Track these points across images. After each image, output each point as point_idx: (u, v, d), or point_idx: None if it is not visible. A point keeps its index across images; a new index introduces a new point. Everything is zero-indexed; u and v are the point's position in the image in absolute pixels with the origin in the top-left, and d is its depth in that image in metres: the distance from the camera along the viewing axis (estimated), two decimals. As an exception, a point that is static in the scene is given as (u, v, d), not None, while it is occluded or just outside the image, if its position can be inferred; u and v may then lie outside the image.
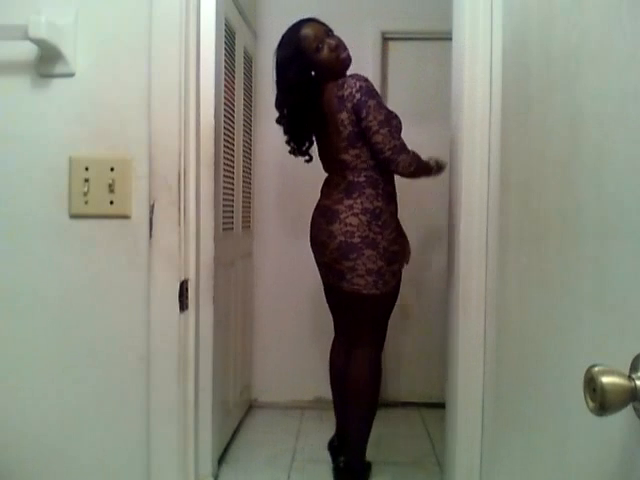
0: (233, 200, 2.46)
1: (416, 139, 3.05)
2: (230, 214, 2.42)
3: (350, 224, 1.95)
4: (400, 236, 2.09)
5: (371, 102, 1.89)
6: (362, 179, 1.97)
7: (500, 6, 1.35)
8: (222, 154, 2.20)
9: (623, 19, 0.69)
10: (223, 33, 2.21)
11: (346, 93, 1.90)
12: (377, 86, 2.99)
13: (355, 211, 1.96)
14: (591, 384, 0.55)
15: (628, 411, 0.56)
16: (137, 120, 1.26)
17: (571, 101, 0.85)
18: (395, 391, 3.09)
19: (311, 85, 2.00)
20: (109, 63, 1.27)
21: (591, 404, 0.55)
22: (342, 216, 1.96)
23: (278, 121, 2.09)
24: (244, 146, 2.65)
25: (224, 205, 2.27)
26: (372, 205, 1.97)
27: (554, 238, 0.92)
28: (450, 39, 1.65)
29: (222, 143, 2.20)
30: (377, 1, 3.01)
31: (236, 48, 2.45)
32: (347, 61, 2.00)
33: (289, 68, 1.98)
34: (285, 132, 2.09)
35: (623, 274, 0.67)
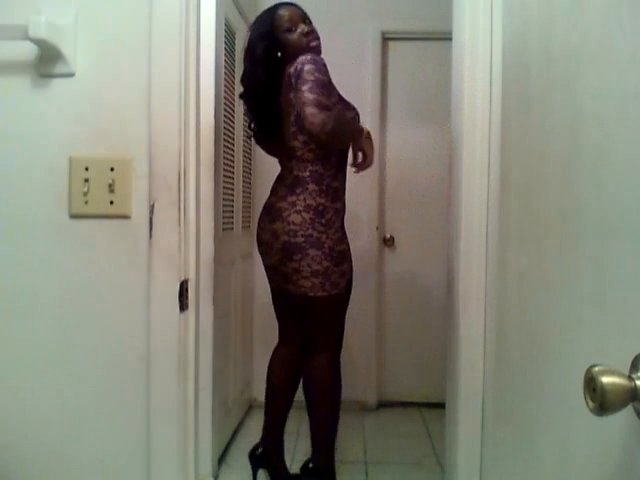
0: (233, 200, 2.46)
1: (416, 139, 3.07)
2: (230, 214, 2.42)
3: (293, 222, 1.85)
4: (345, 237, 1.98)
5: (314, 77, 1.76)
6: (307, 174, 1.88)
7: (500, 6, 1.35)
8: (222, 154, 2.21)
9: (623, 19, 0.69)
10: (223, 33, 2.21)
11: (292, 70, 1.81)
12: (377, 86, 3.01)
13: (298, 208, 1.86)
14: (591, 384, 0.55)
15: (628, 411, 0.56)
16: (137, 120, 1.26)
17: (571, 101, 0.85)
18: (395, 391, 3.09)
19: (275, 63, 1.91)
20: (109, 63, 1.27)
21: (591, 404, 0.55)
22: (285, 214, 1.87)
23: (241, 96, 2.02)
24: (244, 146, 2.65)
25: (224, 205, 2.28)
26: (315, 202, 1.86)
27: (554, 238, 0.92)
28: (450, 39, 1.65)
29: (222, 143, 2.20)
30: (377, 1, 3.01)
31: (236, 48, 2.45)
32: (317, 49, 1.92)
33: (258, 44, 1.91)
34: (248, 109, 2.03)
35: (623, 274, 0.67)
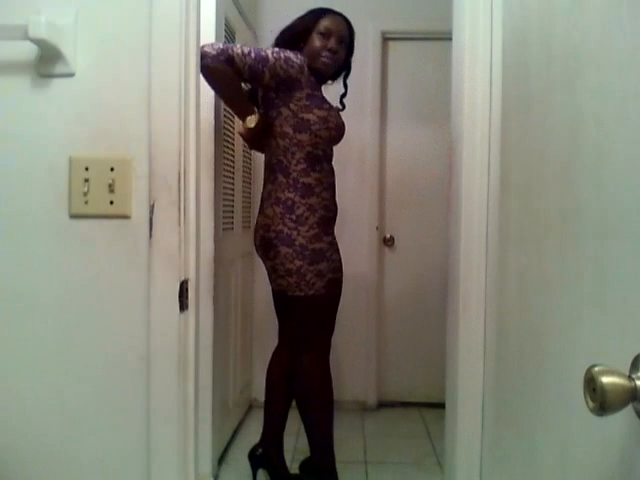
0: (233, 200, 2.46)
1: (416, 139, 3.07)
2: (230, 214, 2.42)
3: (267, 215, 1.83)
4: (327, 235, 1.89)
5: (271, 50, 1.81)
6: (274, 161, 1.86)
7: (500, 6, 1.35)
8: (222, 154, 2.21)
9: (623, 19, 0.69)
10: (223, 33, 2.21)
11: None
12: (377, 86, 3.01)
13: (272, 200, 1.83)
14: (591, 384, 0.55)
15: (628, 411, 0.56)
16: (137, 120, 1.26)
17: (571, 101, 0.85)
18: (395, 391, 3.09)
19: (290, 46, 1.89)
20: (109, 63, 1.27)
21: (591, 404, 0.55)
22: (264, 205, 1.86)
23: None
24: (244, 146, 2.65)
25: (224, 205, 2.28)
26: (284, 195, 1.81)
27: (554, 238, 0.92)
28: (450, 39, 1.65)
29: (222, 143, 2.20)
30: (377, 1, 3.01)
31: (236, 48, 2.45)
32: (324, 69, 1.92)
33: (296, 22, 1.96)
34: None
35: (623, 274, 0.67)
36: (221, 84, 1.82)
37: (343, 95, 2.09)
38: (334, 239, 1.94)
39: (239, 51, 1.75)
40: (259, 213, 1.92)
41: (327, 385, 1.99)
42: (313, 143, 1.85)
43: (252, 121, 1.85)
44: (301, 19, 1.96)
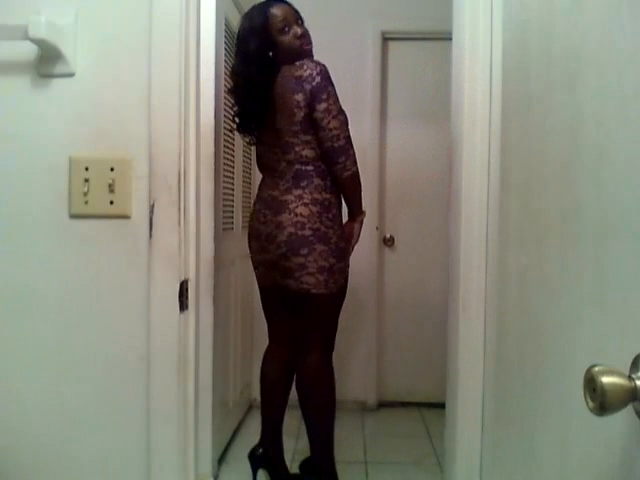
0: (233, 200, 2.46)
1: (416, 139, 3.07)
2: (230, 214, 2.42)
3: (301, 214, 1.84)
4: (344, 234, 1.98)
5: (331, 89, 1.84)
6: (310, 168, 1.87)
7: (500, 6, 1.35)
8: (222, 154, 2.21)
9: (623, 19, 0.69)
10: (223, 33, 2.21)
11: (305, 74, 1.82)
12: (377, 86, 3.01)
13: (305, 201, 1.85)
14: (591, 384, 0.55)
15: (628, 411, 0.56)
16: (137, 120, 1.26)
17: (571, 101, 0.85)
18: (395, 391, 3.09)
19: (268, 63, 1.88)
20: (109, 63, 1.27)
21: (591, 404, 0.55)
22: (292, 206, 1.85)
23: (230, 91, 2.02)
24: (244, 146, 2.65)
25: (224, 205, 2.28)
26: (321, 196, 1.87)
27: (554, 238, 0.92)
28: (450, 39, 1.65)
29: (222, 143, 2.20)
30: (377, 1, 3.01)
31: (236, 48, 2.45)
32: (309, 53, 1.92)
33: (250, 40, 1.88)
34: (235, 103, 2.01)
35: (623, 274, 0.67)
36: (354, 192, 2.00)
37: None
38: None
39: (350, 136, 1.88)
40: (279, 212, 1.88)
41: (331, 385, 2.00)
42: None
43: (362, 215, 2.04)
44: (246, 32, 1.90)
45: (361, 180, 1.96)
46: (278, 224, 1.86)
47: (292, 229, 1.84)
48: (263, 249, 1.93)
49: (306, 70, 1.81)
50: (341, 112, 1.85)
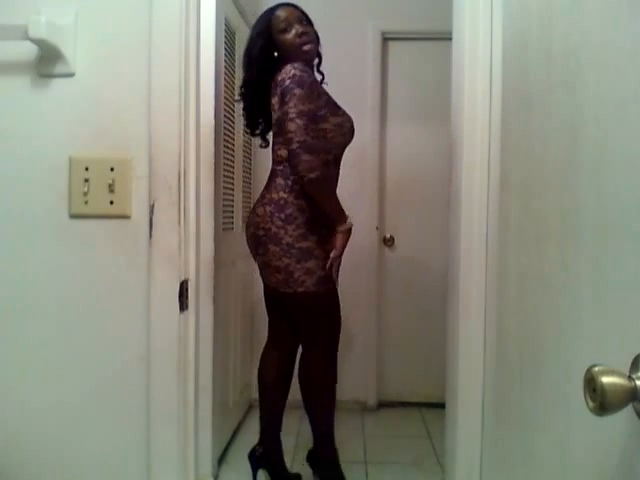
0: (233, 200, 2.46)
1: (416, 139, 3.07)
2: (230, 214, 2.42)
3: (257, 214, 1.89)
4: (313, 234, 1.88)
5: (297, 91, 1.77)
6: (280, 167, 1.89)
7: (500, 6, 1.35)
8: (222, 154, 2.20)
9: (623, 19, 0.69)
10: (223, 33, 2.21)
11: (279, 78, 1.82)
12: (377, 86, 3.01)
13: (264, 201, 1.89)
14: (591, 384, 0.55)
15: (628, 411, 0.56)
16: (137, 120, 1.26)
17: (571, 101, 0.85)
18: (395, 391, 3.09)
19: (268, 63, 1.90)
20: (109, 63, 1.27)
21: (591, 404, 0.55)
22: (256, 205, 1.94)
23: (239, 94, 2.03)
24: (244, 146, 2.65)
25: (224, 205, 2.28)
26: (278, 195, 1.86)
27: (554, 238, 0.92)
28: (450, 39, 1.65)
29: (222, 143, 2.20)
30: (377, 1, 3.01)
31: (236, 48, 2.45)
32: (310, 53, 1.92)
33: (255, 44, 1.92)
34: (243, 109, 2.04)
35: (623, 274, 0.67)
36: (324, 188, 1.86)
37: (319, 65, 2.07)
38: (322, 238, 1.91)
39: (314, 142, 1.80)
40: (251, 212, 1.99)
41: (327, 384, 2.00)
42: (327, 149, 1.89)
43: (349, 224, 1.92)
44: (252, 39, 1.94)
45: (332, 187, 1.89)
46: (247, 223, 1.99)
47: (252, 229, 1.93)
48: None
49: (282, 74, 1.83)
50: (300, 116, 1.76)
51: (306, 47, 1.89)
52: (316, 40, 1.95)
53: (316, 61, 2.03)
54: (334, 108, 1.93)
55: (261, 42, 1.91)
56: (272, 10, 1.93)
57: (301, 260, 1.85)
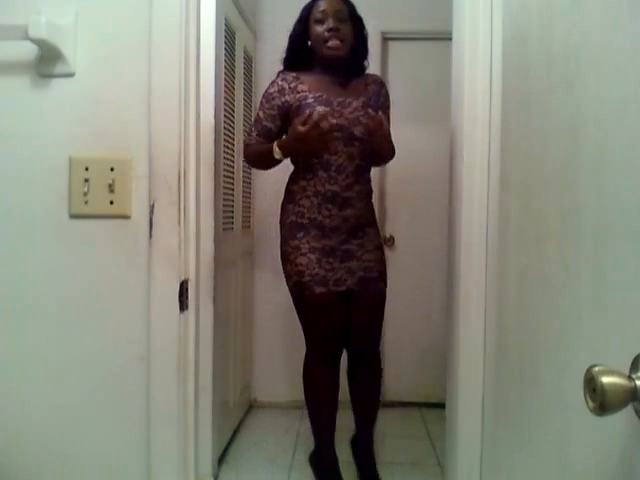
0: (233, 200, 2.46)
1: (416, 139, 3.07)
2: (230, 214, 2.42)
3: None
4: (293, 239, 1.93)
5: (261, 100, 2.01)
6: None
7: (500, 6, 1.35)
8: (222, 154, 2.20)
9: (623, 19, 0.69)
10: (223, 33, 2.21)
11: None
12: (377, 86, 3.01)
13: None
14: (591, 384, 0.55)
15: (628, 411, 0.56)
16: (137, 120, 1.26)
17: (571, 101, 0.85)
18: (395, 391, 3.09)
19: (300, 52, 1.96)
20: (109, 63, 1.27)
21: (591, 404, 0.55)
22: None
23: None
24: (244, 146, 2.65)
25: (224, 205, 2.28)
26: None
27: (554, 238, 0.92)
28: (450, 39, 1.65)
29: (222, 143, 2.20)
30: (377, 1, 3.00)
31: (236, 48, 2.45)
32: (334, 50, 1.88)
33: (294, 30, 1.97)
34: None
35: (623, 274, 0.67)
36: (256, 164, 2.12)
37: (362, 60, 2.09)
38: (302, 244, 1.92)
39: (247, 139, 2.03)
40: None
41: (307, 385, 2.05)
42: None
43: (277, 153, 1.93)
44: (294, 25, 1.97)
45: (251, 155, 2.03)
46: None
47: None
48: None
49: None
50: (253, 125, 2.00)
51: (330, 43, 1.87)
52: (349, 40, 1.91)
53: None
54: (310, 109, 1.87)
55: (298, 27, 1.94)
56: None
57: (283, 263, 2.02)
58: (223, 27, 2.21)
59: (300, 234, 1.93)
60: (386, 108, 2.02)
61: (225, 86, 2.26)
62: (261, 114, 1.96)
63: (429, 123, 3.02)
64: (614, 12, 0.72)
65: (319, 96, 1.89)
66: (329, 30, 1.86)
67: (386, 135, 1.88)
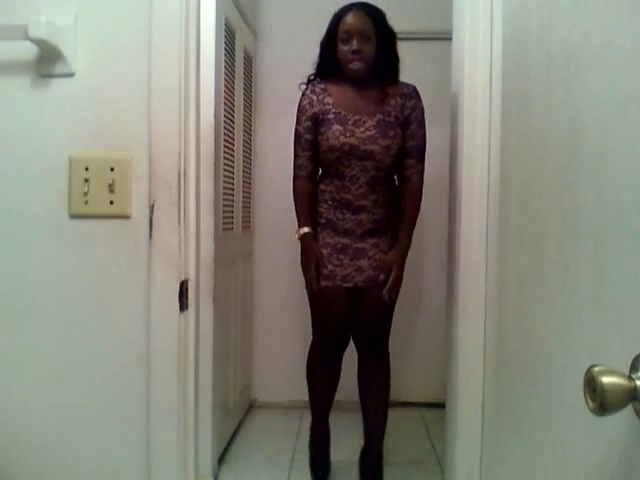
0: (233, 200, 2.46)
1: (416, 139, 3.07)
2: (230, 214, 2.42)
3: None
4: (304, 240, 2.05)
5: (296, 114, 2.08)
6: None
7: (500, 6, 1.35)
8: (222, 154, 2.20)
9: (623, 19, 0.69)
10: (223, 33, 2.21)
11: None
12: (377, 86, 3.01)
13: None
14: (591, 384, 0.55)
15: (628, 411, 0.56)
16: (137, 120, 1.26)
17: (571, 101, 0.85)
18: (395, 391, 3.08)
19: (328, 64, 2.02)
20: (109, 63, 1.27)
21: (591, 404, 0.55)
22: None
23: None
24: (244, 146, 2.65)
25: (224, 205, 2.28)
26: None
27: (554, 238, 0.92)
28: (450, 39, 1.65)
29: (222, 143, 2.20)
30: (377, 1, 3.00)
31: (236, 48, 2.45)
32: (357, 72, 1.94)
33: (324, 45, 2.02)
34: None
35: (623, 274, 0.67)
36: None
37: (394, 77, 2.10)
38: (317, 239, 2.04)
39: (296, 162, 2.08)
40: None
41: (308, 371, 2.16)
42: (322, 160, 2.03)
43: (298, 233, 2.06)
44: (326, 32, 2.01)
45: (295, 197, 2.08)
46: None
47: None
48: None
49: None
50: (295, 141, 2.06)
51: (353, 65, 1.94)
52: (371, 59, 1.94)
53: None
54: (328, 123, 1.97)
55: (326, 41, 2.00)
56: (344, 12, 1.95)
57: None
58: (223, 27, 2.21)
59: (317, 230, 2.04)
60: (414, 120, 2.01)
61: (225, 86, 2.26)
62: (300, 129, 2.04)
63: (429, 123, 2.99)
64: (614, 12, 0.72)
65: (338, 112, 1.97)
66: (352, 52, 1.92)
67: (402, 270, 2.09)
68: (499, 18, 1.36)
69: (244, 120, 2.64)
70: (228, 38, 2.31)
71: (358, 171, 1.96)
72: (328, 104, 1.98)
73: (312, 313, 2.11)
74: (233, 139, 2.44)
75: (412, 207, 2.03)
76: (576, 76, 0.84)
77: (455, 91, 1.62)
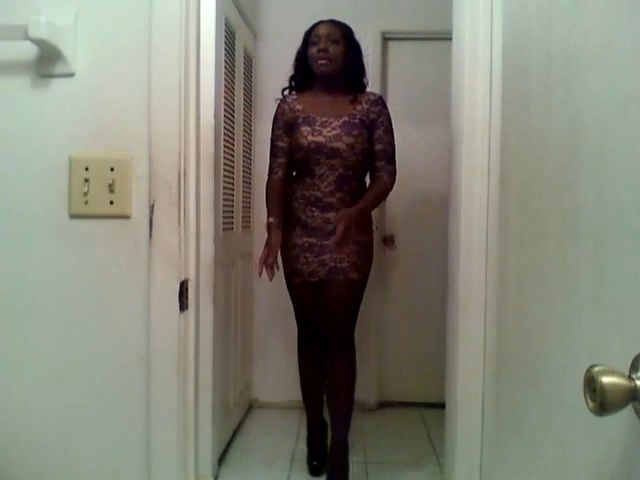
0: (233, 200, 2.46)
1: (416, 139, 3.07)
2: (230, 214, 2.42)
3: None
4: (285, 234, 2.16)
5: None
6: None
7: (500, 6, 1.35)
8: (222, 154, 2.21)
9: (623, 19, 0.69)
10: (223, 33, 2.21)
11: None
12: (377, 86, 3.01)
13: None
14: (591, 384, 0.55)
15: (628, 411, 0.56)
16: (137, 120, 1.26)
17: (571, 101, 0.85)
18: (395, 391, 3.09)
19: (301, 71, 2.18)
20: (109, 63, 1.27)
21: (591, 404, 0.55)
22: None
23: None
24: (244, 146, 2.65)
25: (224, 205, 2.28)
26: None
27: (554, 238, 0.92)
28: (450, 39, 1.65)
29: (222, 143, 2.20)
30: (377, 1, 3.01)
31: (236, 48, 2.45)
32: (324, 68, 2.07)
33: (299, 53, 2.17)
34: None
35: (623, 274, 0.67)
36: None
37: (360, 80, 2.23)
38: (289, 240, 2.15)
39: (271, 164, 2.21)
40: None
41: (298, 363, 2.27)
42: (294, 162, 2.17)
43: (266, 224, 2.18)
44: (301, 44, 2.17)
45: (266, 194, 2.21)
46: None
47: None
48: None
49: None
50: (271, 147, 2.22)
51: (321, 61, 2.09)
52: (338, 59, 2.09)
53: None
54: (297, 127, 2.11)
55: (301, 51, 2.16)
56: (315, 25, 2.14)
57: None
58: (223, 27, 2.21)
59: (288, 230, 2.16)
60: (380, 125, 2.13)
61: (225, 86, 2.26)
62: (273, 137, 2.21)
63: (429, 123, 3.02)
64: (614, 12, 0.72)
65: (307, 116, 2.12)
66: (319, 50, 2.07)
67: (360, 216, 2.05)
68: (499, 18, 1.36)
69: (244, 120, 2.64)
70: (228, 38, 2.31)
71: (327, 169, 2.09)
72: (298, 110, 2.14)
73: (293, 307, 2.25)
74: (233, 139, 2.44)
75: (378, 189, 2.16)
76: (576, 76, 0.84)
77: (455, 91, 1.62)
